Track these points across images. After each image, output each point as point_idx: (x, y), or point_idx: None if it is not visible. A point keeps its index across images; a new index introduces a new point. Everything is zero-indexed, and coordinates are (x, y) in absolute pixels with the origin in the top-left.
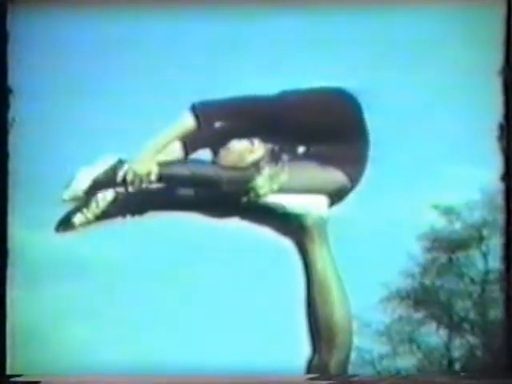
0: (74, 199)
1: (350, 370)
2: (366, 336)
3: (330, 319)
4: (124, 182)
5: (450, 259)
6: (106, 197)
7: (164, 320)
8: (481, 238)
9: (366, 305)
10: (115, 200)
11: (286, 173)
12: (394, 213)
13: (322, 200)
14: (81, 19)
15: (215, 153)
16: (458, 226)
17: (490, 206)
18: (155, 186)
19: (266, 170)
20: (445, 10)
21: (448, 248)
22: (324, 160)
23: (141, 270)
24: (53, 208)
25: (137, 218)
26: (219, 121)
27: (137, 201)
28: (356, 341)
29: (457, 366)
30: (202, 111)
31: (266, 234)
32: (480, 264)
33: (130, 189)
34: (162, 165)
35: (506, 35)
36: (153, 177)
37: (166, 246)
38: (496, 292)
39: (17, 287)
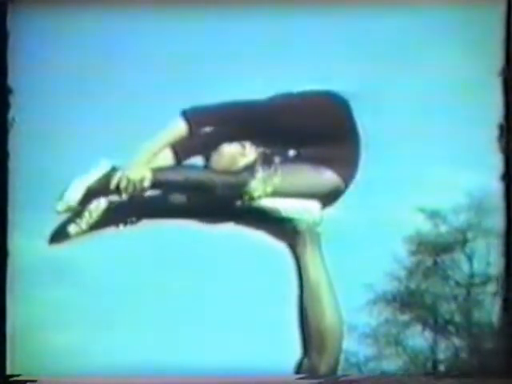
0: (67, 210)
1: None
2: (352, 338)
3: (320, 324)
4: (118, 189)
5: (436, 262)
6: (99, 206)
7: (160, 323)
8: (465, 241)
9: (352, 307)
10: (108, 209)
11: (279, 175)
12: (380, 215)
13: (315, 203)
14: (81, 19)
15: (207, 158)
16: (443, 229)
17: (476, 209)
18: (148, 193)
19: (260, 173)
20: (445, 10)
21: (433, 251)
22: (316, 162)
23: (137, 276)
24: (51, 214)
25: (131, 227)
26: (210, 126)
27: (130, 209)
28: (342, 343)
29: (442, 369)
30: (192, 117)
31: (260, 238)
32: (465, 267)
33: (124, 196)
34: (155, 171)
35: (506, 35)
36: (146, 183)
37: (160, 253)
38: (481, 295)
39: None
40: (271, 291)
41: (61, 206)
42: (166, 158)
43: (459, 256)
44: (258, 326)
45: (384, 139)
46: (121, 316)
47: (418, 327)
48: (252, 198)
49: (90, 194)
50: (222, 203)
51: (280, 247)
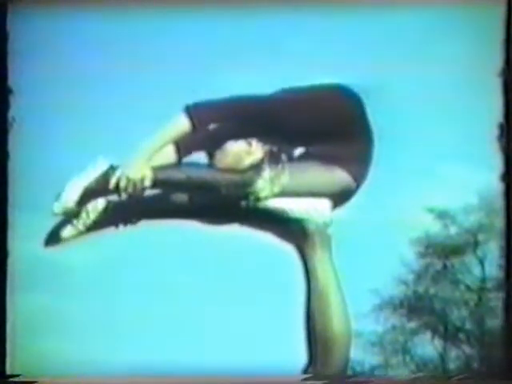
0: (65, 212)
1: None
2: (358, 346)
3: (326, 330)
4: (117, 188)
5: (445, 266)
6: (96, 206)
7: (164, 323)
8: (477, 243)
9: (357, 313)
10: (107, 209)
11: (287, 174)
12: (386, 216)
13: (325, 203)
14: (81, 19)
15: (211, 156)
16: (453, 230)
17: (487, 209)
18: (149, 192)
19: (266, 172)
20: (445, 10)
21: (443, 253)
22: (326, 159)
23: (138, 276)
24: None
25: (130, 227)
26: (214, 122)
27: (130, 209)
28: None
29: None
30: (196, 112)
31: (267, 239)
32: (476, 270)
33: (123, 196)
34: (156, 169)
35: (506, 35)
36: (147, 182)
37: (162, 255)
38: (494, 300)
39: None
40: (278, 294)
41: (58, 208)
42: (168, 156)
43: (470, 259)
44: (263, 328)
45: (389, 138)
46: (122, 316)
47: (427, 335)
48: (258, 199)
49: (88, 195)
50: (226, 203)
51: (287, 249)
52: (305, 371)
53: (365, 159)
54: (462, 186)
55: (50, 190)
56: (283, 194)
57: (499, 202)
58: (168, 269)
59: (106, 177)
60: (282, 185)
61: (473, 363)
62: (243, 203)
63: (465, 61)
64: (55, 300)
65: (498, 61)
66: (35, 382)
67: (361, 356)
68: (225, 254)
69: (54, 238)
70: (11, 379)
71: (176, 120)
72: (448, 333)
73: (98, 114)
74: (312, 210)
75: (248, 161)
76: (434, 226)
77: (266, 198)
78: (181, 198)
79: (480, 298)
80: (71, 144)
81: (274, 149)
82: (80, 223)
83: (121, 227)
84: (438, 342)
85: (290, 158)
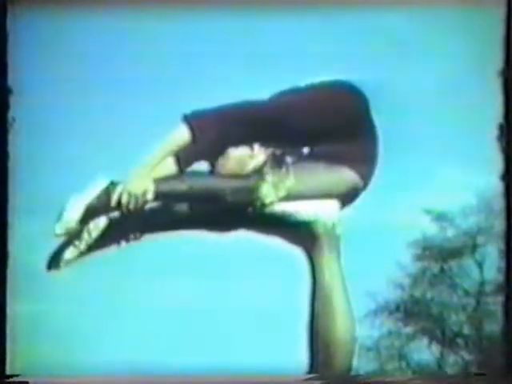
0: (67, 231)
1: None
2: None
3: (329, 332)
4: (119, 204)
5: (442, 269)
6: (98, 224)
7: (169, 324)
8: (475, 246)
9: None
10: (109, 226)
11: (292, 177)
12: (382, 217)
13: (333, 204)
14: (81, 19)
15: (212, 163)
16: (450, 232)
17: (486, 211)
18: (150, 205)
19: (270, 177)
20: (445, 10)
21: (440, 256)
22: (332, 159)
23: (145, 283)
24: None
25: (134, 244)
26: (214, 130)
27: (132, 224)
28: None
29: None
30: (195, 121)
31: (274, 243)
32: (474, 274)
33: (126, 211)
34: (157, 182)
35: (506, 35)
36: (149, 196)
37: (169, 263)
38: (492, 304)
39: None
40: (286, 297)
41: (60, 229)
42: (168, 168)
43: (468, 262)
44: (267, 331)
45: (388, 138)
46: (124, 317)
47: (424, 340)
48: (264, 205)
49: (90, 213)
50: (231, 211)
51: (296, 252)
52: (307, 373)
53: (371, 157)
54: (461, 187)
55: (50, 190)
56: (290, 197)
57: (499, 203)
58: (173, 274)
59: (107, 193)
60: (287, 188)
61: (470, 369)
62: (249, 209)
63: (465, 61)
64: (54, 303)
65: (497, 61)
66: (35, 381)
67: (355, 362)
68: (232, 259)
69: (56, 260)
70: (11, 379)
71: (176, 131)
72: (445, 338)
73: (98, 112)
74: (320, 211)
75: (251, 165)
76: (431, 228)
77: (272, 203)
78: (184, 208)
79: (478, 303)
80: (71, 143)
81: (277, 152)
82: (82, 243)
83: (123, 244)
84: (435, 348)
85: (295, 160)
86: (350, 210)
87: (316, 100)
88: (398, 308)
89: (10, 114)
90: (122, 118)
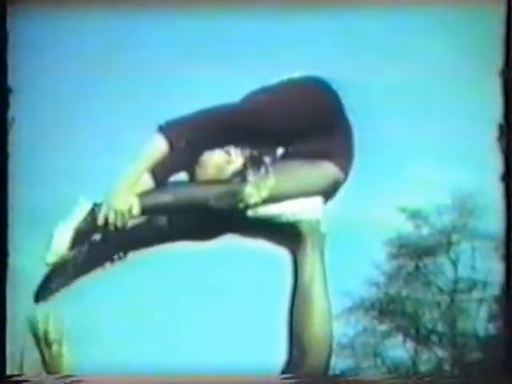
0: (58, 259)
1: None
2: None
3: (305, 331)
4: (106, 224)
5: (417, 267)
6: (82, 249)
7: (157, 326)
8: (450, 244)
9: None
10: (91, 249)
11: (273, 177)
12: (357, 215)
13: (317, 200)
14: (80, 20)
15: (191, 172)
16: (425, 231)
17: (461, 209)
18: (133, 222)
19: (251, 177)
20: (445, 10)
21: (415, 254)
22: (310, 155)
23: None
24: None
25: (119, 264)
26: (189, 137)
27: (115, 244)
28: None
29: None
30: (170, 131)
31: (260, 246)
32: (449, 272)
33: (113, 229)
34: (141, 196)
35: (506, 35)
36: (135, 211)
37: (155, 280)
38: (466, 302)
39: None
40: (269, 296)
41: (50, 258)
42: (146, 183)
43: (443, 260)
44: (249, 329)
45: (363, 138)
46: (125, 318)
47: (399, 337)
48: (248, 206)
49: (79, 236)
50: (216, 216)
51: (282, 254)
52: (283, 371)
53: (348, 150)
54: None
55: (49, 190)
56: (273, 197)
57: (499, 204)
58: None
59: (93, 214)
60: (268, 188)
61: (444, 365)
62: (234, 213)
63: (465, 61)
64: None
65: (497, 61)
66: (35, 381)
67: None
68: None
69: (43, 292)
70: (11, 379)
71: (152, 142)
72: (420, 335)
73: (97, 112)
74: (304, 209)
75: (230, 170)
76: (406, 227)
77: (256, 204)
78: (166, 221)
79: (452, 300)
80: (71, 143)
81: (255, 153)
82: (68, 270)
83: (108, 265)
84: (409, 345)
85: (273, 160)
86: (325, 208)
87: (288, 98)
88: (373, 306)
89: (10, 114)
90: (95, 152)
